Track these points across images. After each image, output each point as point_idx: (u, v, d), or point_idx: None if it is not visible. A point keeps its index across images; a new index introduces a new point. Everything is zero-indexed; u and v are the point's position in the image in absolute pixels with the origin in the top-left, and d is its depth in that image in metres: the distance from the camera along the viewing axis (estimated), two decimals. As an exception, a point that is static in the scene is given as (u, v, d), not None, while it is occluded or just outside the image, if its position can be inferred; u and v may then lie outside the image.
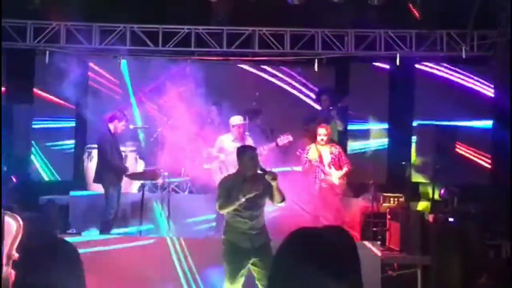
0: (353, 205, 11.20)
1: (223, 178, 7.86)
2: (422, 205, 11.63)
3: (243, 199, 7.17)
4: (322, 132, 10.51)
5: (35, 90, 13.21)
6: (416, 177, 12.25)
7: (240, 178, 7.39)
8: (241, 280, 7.34)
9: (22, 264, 2.78)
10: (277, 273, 2.21)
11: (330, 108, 12.06)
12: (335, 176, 10.43)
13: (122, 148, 10.86)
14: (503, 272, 8.49)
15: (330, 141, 10.65)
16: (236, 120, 10.62)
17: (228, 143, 10.51)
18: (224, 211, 7.42)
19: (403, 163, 12.38)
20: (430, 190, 11.86)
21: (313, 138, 10.90)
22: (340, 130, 12.21)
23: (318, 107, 12.76)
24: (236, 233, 7.34)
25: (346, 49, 12.92)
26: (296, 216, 8.15)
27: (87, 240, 9.28)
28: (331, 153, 10.54)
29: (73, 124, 13.46)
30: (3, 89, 12.26)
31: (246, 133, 11.09)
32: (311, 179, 10.45)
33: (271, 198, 7.33)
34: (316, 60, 12.83)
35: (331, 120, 11.77)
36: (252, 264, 7.32)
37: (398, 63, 12.82)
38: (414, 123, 13.41)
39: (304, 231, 2.29)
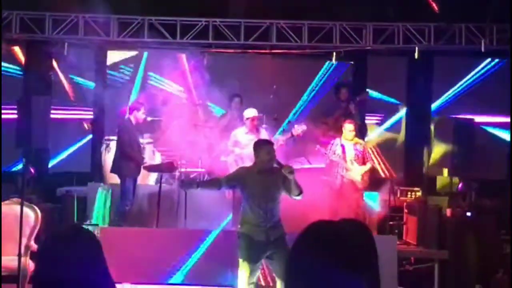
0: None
1: (241, 167, 7.96)
2: None
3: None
4: (350, 127, 10.45)
5: (53, 81, 13.31)
6: (436, 171, 12.20)
7: (255, 170, 7.43)
8: (256, 274, 7.36)
9: (40, 254, 2.74)
10: (294, 265, 2.21)
11: (350, 101, 12.02)
12: (357, 172, 10.37)
13: (140, 140, 10.91)
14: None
15: (355, 136, 10.59)
16: (251, 112, 10.60)
17: (242, 136, 10.52)
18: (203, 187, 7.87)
19: (421, 156, 12.36)
20: (448, 184, 11.81)
21: (333, 132, 10.89)
22: (358, 123, 12.16)
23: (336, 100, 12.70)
24: (251, 226, 7.33)
25: (364, 42, 12.87)
26: (315, 211, 8.11)
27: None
28: (356, 149, 10.48)
29: (90, 115, 13.51)
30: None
31: (264, 125, 11.11)
32: (333, 174, 10.42)
33: (288, 191, 7.33)
34: (334, 53, 12.80)
35: (350, 114, 11.72)
36: (267, 257, 7.33)
37: (416, 56, 12.77)
38: (432, 117, 13.36)
39: (321, 224, 2.28)
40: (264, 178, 7.30)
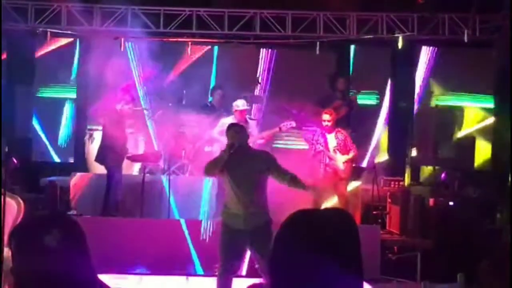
0: (354, 189, 11.22)
1: (222, 150, 7.74)
2: None
3: (225, 154, 7.05)
4: (325, 117, 10.46)
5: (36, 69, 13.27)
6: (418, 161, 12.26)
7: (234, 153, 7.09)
8: (235, 263, 7.06)
9: (17, 243, 2.60)
10: (277, 255, 2.21)
11: (349, 92, 12.02)
12: (340, 160, 10.40)
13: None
14: (503, 257, 8.54)
15: (335, 126, 10.59)
16: (240, 105, 10.58)
17: (231, 125, 10.51)
18: (210, 172, 7.31)
19: (404, 146, 12.40)
20: (431, 174, 11.88)
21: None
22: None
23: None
24: (231, 215, 7.08)
25: (348, 32, 12.85)
26: (299, 201, 8.07)
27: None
28: (337, 138, 10.50)
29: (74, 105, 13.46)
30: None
31: (248, 116, 11.09)
32: (316, 164, 10.43)
33: (277, 179, 7.14)
34: (317, 43, 12.78)
35: (347, 104, 11.73)
36: (249, 247, 7.07)
37: (400, 46, 12.78)
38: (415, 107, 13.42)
39: (304, 212, 2.28)
40: (243, 161, 7.03)
